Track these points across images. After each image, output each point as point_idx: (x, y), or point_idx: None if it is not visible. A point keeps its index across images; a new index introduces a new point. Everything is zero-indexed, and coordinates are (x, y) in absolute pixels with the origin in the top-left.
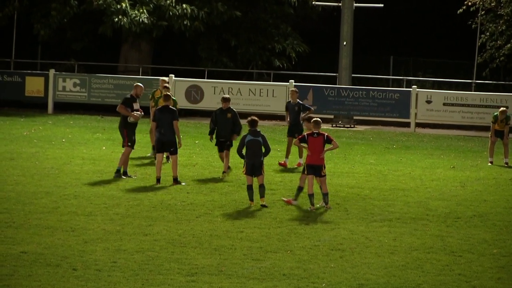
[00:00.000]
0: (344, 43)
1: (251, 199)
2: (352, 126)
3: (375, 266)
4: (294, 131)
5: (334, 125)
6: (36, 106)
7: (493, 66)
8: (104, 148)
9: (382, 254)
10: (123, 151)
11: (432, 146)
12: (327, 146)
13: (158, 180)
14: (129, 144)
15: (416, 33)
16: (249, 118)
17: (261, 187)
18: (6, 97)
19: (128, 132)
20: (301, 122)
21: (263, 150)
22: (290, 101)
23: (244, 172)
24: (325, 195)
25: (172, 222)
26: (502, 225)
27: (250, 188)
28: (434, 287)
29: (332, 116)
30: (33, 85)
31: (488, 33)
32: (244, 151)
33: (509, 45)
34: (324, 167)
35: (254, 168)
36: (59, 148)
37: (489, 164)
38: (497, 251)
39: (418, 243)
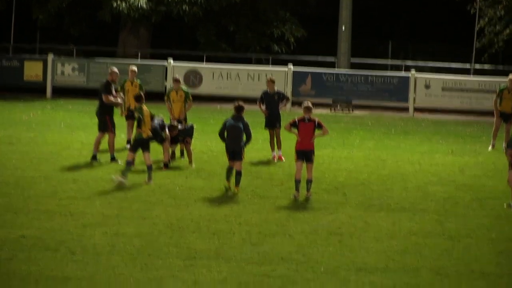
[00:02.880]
0: (343, 27)
1: (228, 180)
2: (351, 111)
3: (373, 251)
4: (274, 121)
5: (332, 110)
6: (35, 91)
7: (491, 51)
8: None
9: (380, 238)
10: (107, 137)
11: (430, 131)
12: (318, 132)
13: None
14: (113, 129)
15: (415, 18)
16: (236, 103)
17: (238, 174)
18: (4, 81)
19: (110, 118)
20: (280, 111)
21: (245, 137)
22: (266, 90)
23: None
24: (309, 182)
25: (170, 207)
26: (501, 210)
27: (230, 170)
28: (432, 272)
29: (330, 101)
30: (32, 70)
31: (486, 18)
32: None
33: (507, 30)
34: (313, 153)
35: (233, 153)
36: (58, 133)
37: (490, 148)
38: (495, 236)
39: (416, 228)
